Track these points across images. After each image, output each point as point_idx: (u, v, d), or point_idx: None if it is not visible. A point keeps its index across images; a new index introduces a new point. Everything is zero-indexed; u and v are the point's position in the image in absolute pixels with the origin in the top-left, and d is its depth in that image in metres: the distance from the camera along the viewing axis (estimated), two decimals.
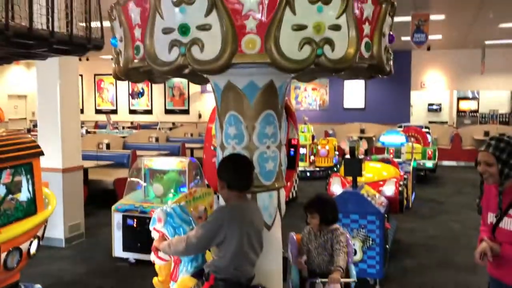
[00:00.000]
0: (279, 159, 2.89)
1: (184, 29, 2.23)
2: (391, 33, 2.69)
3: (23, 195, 4.05)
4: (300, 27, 2.22)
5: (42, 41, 2.94)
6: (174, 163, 5.94)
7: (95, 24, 3.67)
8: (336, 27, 2.27)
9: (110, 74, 15.53)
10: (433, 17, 10.56)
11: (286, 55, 2.21)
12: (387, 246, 5.22)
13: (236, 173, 2.67)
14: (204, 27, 2.22)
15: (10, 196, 3.94)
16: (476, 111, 17.94)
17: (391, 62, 2.76)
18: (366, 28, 2.41)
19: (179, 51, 2.25)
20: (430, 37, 10.97)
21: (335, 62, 2.28)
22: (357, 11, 2.34)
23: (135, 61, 2.51)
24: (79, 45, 3.28)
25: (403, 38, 12.43)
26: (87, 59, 17.23)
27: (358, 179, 5.33)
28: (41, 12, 3.10)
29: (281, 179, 2.94)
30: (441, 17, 10.88)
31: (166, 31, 2.28)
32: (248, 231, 2.60)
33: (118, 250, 5.60)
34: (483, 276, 5.12)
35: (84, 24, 3.44)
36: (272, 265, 2.91)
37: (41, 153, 4.15)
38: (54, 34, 3.03)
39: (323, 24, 2.23)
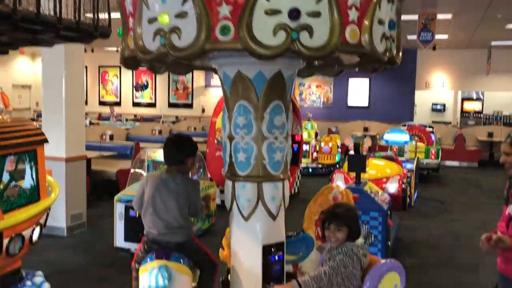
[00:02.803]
0: (286, 149, 2.88)
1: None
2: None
3: (26, 182, 4.04)
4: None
5: (50, 27, 2.93)
6: None
7: (102, 15, 3.67)
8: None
9: (115, 66, 15.59)
10: (440, 16, 10.51)
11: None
12: (389, 243, 5.22)
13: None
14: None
15: (13, 183, 3.94)
16: (480, 112, 17.88)
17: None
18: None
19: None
20: (436, 36, 10.93)
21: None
22: None
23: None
24: (86, 33, 3.27)
25: (409, 37, 12.39)
26: (92, 51, 17.21)
27: (362, 175, 5.32)
28: None
29: (285, 171, 2.93)
30: (448, 16, 10.83)
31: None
32: (154, 196, 3.05)
33: (119, 241, 5.60)
34: (484, 275, 5.14)
35: (91, 15, 3.44)
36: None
37: (46, 141, 4.13)
38: (62, 20, 3.01)
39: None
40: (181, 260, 2.97)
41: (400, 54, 2.69)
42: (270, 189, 2.85)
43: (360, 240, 2.93)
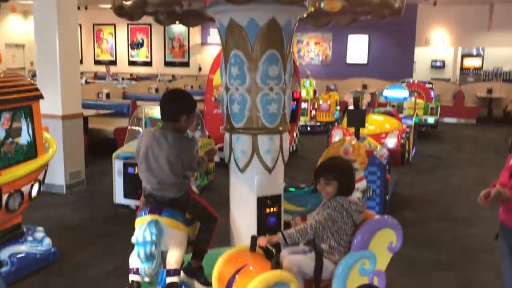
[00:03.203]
0: (283, 101, 2.81)
1: None
2: None
3: (23, 139, 4.02)
4: None
5: None
6: None
7: None
8: None
9: (110, 24, 15.22)
10: None
11: None
12: (387, 197, 5.25)
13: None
14: None
15: (10, 139, 3.91)
16: (480, 68, 17.71)
17: None
18: None
19: None
20: None
21: None
22: None
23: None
24: None
25: None
26: (86, 8, 16.82)
27: (361, 131, 5.30)
28: None
29: (284, 123, 2.88)
30: None
31: None
32: (147, 152, 2.99)
33: (119, 197, 5.63)
34: (481, 228, 5.20)
35: None
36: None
37: (41, 96, 4.09)
38: None
39: None
40: (174, 215, 2.95)
41: None
42: (265, 141, 2.81)
43: (356, 195, 2.88)
